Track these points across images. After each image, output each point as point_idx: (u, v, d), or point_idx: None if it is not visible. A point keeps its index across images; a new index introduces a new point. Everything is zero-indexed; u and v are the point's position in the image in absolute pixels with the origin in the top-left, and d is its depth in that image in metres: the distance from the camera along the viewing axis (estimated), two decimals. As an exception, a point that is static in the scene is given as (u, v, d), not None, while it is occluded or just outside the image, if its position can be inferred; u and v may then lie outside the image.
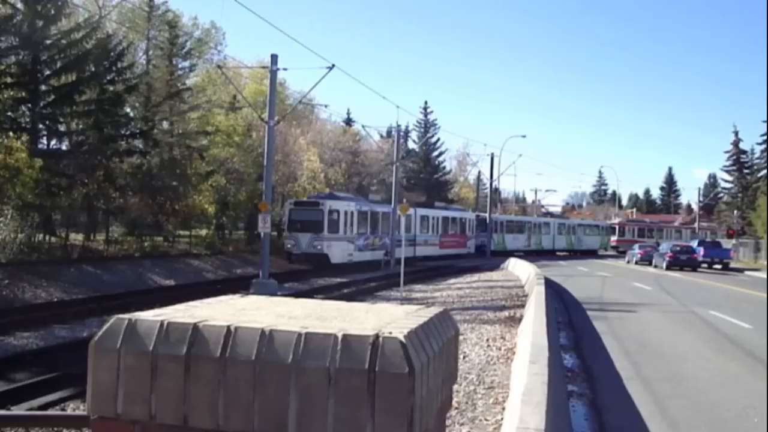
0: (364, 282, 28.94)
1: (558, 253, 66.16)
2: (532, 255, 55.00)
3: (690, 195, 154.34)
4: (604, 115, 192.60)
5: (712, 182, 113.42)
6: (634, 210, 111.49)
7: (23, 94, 28.60)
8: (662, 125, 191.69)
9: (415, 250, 42.57)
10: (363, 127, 60.40)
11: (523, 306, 19.21)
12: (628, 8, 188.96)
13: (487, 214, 56.28)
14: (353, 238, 36.47)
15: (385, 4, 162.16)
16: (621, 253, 71.10)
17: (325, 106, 71.84)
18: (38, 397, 9.41)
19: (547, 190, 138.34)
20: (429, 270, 36.65)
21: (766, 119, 78.00)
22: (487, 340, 13.99)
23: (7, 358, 12.17)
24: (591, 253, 70.18)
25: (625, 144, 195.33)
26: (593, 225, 77.89)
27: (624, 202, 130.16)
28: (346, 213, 35.76)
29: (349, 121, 71.92)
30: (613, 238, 76.81)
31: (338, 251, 34.67)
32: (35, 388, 9.80)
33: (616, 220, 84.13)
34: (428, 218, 46.69)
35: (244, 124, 45.42)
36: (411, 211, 41.28)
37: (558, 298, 24.46)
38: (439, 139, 77.47)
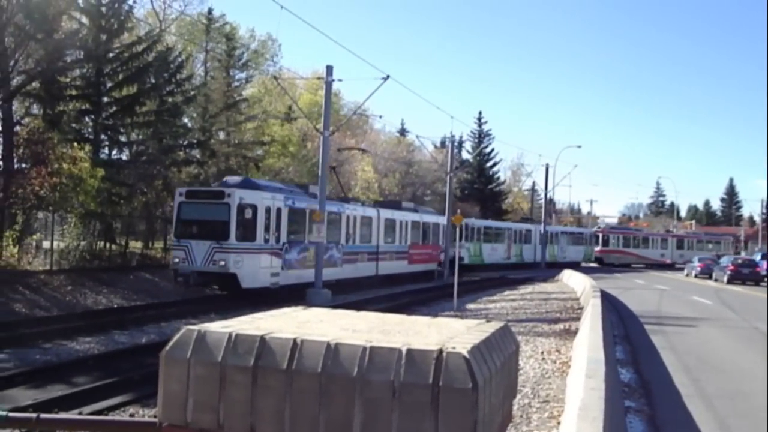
0: (417, 293, 28.91)
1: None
2: (511, 270, 47.76)
3: (752, 207, 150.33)
4: (662, 125, 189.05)
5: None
6: (693, 222, 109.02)
7: (87, 105, 29.49)
8: (722, 135, 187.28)
9: (377, 265, 32.44)
10: (417, 137, 60.08)
11: (578, 319, 18.95)
12: (686, 20, 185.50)
13: (463, 220, 48.49)
14: (280, 248, 24.16)
15: (440, 14, 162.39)
16: (605, 266, 62.52)
17: (380, 117, 72.55)
18: (100, 401, 9.64)
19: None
20: (481, 281, 36.41)
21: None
22: (542, 353, 13.84)
23: (71, 362, 12.51)
24: (574, 266, 55.34)
25: (684, 154, 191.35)
26: (577, 233, 68.71)
27: (683, 213, 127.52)
28: (268, 210, 23.56)
29: (403, 132, 72.28)
30: (597, 248, 67.18)
31: (254, 269, 22.73)
32: (97, 393, 10.04)
33: (599, 227, 74.66)
34: (395, 223, 34.76)
35: (299, 135, 46.02)
36: (373, 212, 32.63)
37: (614, 311, 24.05)
38: (493, 150, 76.97)
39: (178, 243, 22.78)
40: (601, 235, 68.28)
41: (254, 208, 22.73)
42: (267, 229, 23.45)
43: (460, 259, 43.78)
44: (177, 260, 22.61)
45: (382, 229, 32.74)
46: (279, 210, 24.15)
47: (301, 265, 25.53)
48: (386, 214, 33.65)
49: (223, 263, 21.94)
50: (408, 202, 40.92)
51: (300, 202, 25.90)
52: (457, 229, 28.82)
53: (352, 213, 30.13)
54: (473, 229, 47.50)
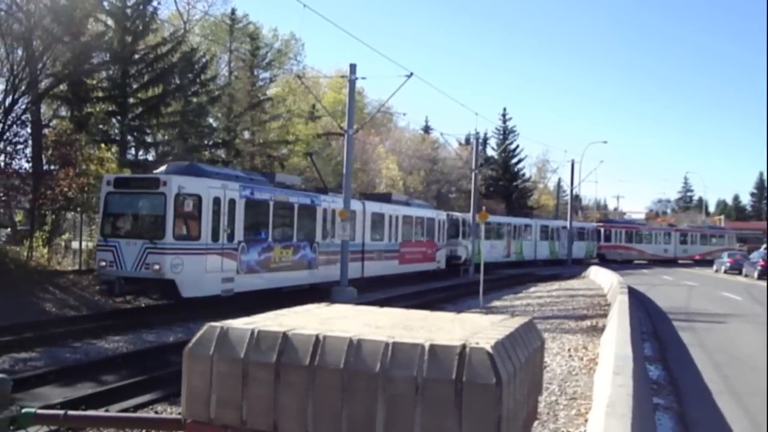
0: (443, 290, 28.86)
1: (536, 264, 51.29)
2: (511, 269, 44.97)
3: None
4: (690, 119, 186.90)
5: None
6: (722, 217, 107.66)
7: (113, 107, 29.80)
8: (751, 129, 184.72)
9: (363, 266, 28.59)
10: (441, 134, 59.80)
11: (605, 315, 18.82)
12: (714, 15, 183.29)
13: (460, 215, 43.44)
14: (235, 248, 20.48)
15: (463, 10, 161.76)
16: (608, 262, 56.30)
17: (404, 114, 72.57)
18: (128, 399, 9.76)
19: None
20: (507, 278, 36.25)
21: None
22: (569, 349, 13.75)
23: (100, 360, 12.67)
24: (576, 263, 53.33)
25: (713, 149, 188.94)
26: (579, 228, 61.81)
27: (711, 208, 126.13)
28: (217, 202, 19.83)
29: (427, 129, 72.24)
30: (599, 243, 62.92)
31: (197, 274, 19.03)
32: (125, 390, 10.16)
33: (600, 222, 69.50)
34: (383, 218, 31.03)
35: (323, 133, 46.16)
36: (358, 205, 28.36)
37: (642, 307, 23.86)
38: (518, 146, 76.68)
39: (105, 243, 19.00)
40: (602, 229, 64.57)
41: (198, 198, 19.14)
42: (216, 224, 19.72)
43: (457, 258, 41.24)
44: (103, 264, 18.81)
45: (368, 224, 28.97)
46: (232, 201, 20.38)
47: (263, 267, 21.87)
48: (373, 207, 29.85)
49: (157, 267, 18.16)
50: (399, 195, 37.14)
51: (261, 193, 22.09)
52: (482, 226, 28.37)
53: (330, 206, 25.93)
54: (470, 225, 42.67)
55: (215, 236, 19.62)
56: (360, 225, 28.20)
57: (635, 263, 61.95)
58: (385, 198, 33.25)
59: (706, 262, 65.31)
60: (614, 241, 64.10)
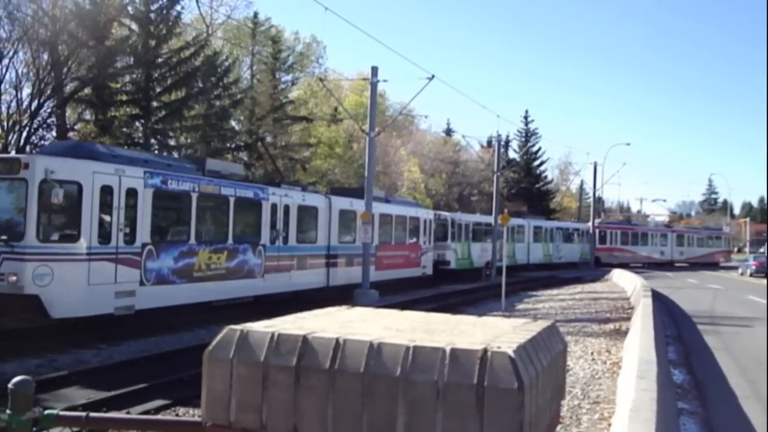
0: (465, 293, 28.74)
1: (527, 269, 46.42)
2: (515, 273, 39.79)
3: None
4: (714, 121, 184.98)
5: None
6: (748, 219, 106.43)
7: (137, 110, 30.05)
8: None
9: (328, 273, 24.28)
10: (463, 137, 59.46)
11: (628, 319, 18.66)
12: (736, 17, 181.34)
13: (449, 214, 39.32)
14: (137, 253, 15.85)
15: (485, 12, 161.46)
16: (605, 266, 51.87)
17: (425, 117, 72.44)
18: (151, 400, 9.82)
19: (654, 200, 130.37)
20: (529, 281, 36.04)
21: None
22: (592, 353, 13.65)
23: (123, 362, 12.75)
24: (569, 267, 51.30)
25: (737, 150, 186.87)
26: (573, 229, 57.52)
27: (736, 210, 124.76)
28: (109, 191, 15.22)
29: (449, 132, 72.15)
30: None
31: (75, 287, 14.33)
32: (148, 392, 10.23)
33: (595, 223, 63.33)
34: (355, 216, 26.03)
35: (345, 136, 46.23)
36: (320, 201, 24.20)
37: (666, 311, 23.63)
38: (540, 148, 76.27)
39: None
40: (597, 231, 59.26)
41: (77, 187, 14.45)
42: (105, 222, 15.10)
43: (445, 263, 36.99)
44: None
45: (335, 224, 24.51)
46: (132, 192, 15.71)
47: (183, 276, 17.26)
48: (341, 203, 25.17)
49: (14, 278, 13.61)
50: (378, 190, 31.95)
51: (179, 182, 17.32)
52: (506, 229, 27.66)
53: (281, 201, 21.49)
54: (460, 227, 38.94)
55: (104, 237, 15.02)
56: (324, 224, 24.07)
57: (631, 266, 57.03)
58: (358, 193, 27.24)
59: (703, 265, 63.68)
60: (609, 243, 60.07)
